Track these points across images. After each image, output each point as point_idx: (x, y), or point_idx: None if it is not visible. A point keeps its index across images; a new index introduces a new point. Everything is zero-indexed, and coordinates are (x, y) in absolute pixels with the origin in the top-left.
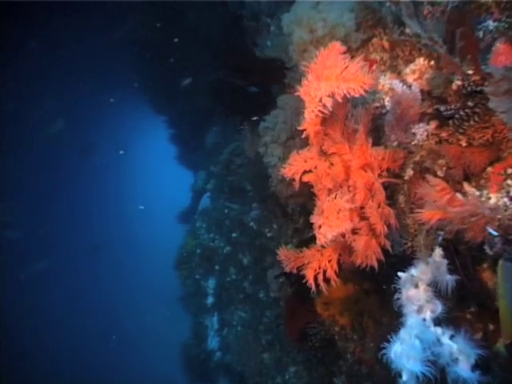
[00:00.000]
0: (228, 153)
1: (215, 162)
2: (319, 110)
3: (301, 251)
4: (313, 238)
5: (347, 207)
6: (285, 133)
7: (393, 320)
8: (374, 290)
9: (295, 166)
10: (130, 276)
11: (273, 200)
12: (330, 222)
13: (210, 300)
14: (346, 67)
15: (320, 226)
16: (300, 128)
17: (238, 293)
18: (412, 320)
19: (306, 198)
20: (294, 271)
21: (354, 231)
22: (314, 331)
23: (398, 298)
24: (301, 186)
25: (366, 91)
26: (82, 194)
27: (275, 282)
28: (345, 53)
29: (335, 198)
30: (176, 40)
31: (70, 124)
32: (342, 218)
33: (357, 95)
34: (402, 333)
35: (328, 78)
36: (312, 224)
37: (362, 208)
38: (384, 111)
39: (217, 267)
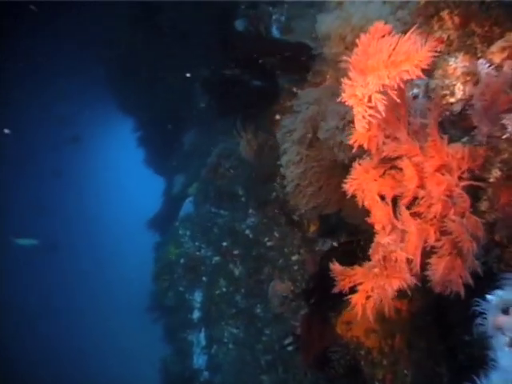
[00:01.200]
0: (216, 155)
1: (196, 165)
2: (371, 114)
3: (352, 268)
4: (337, 250)
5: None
6: (306, 134)
7: (432, 344)
8: (407, 308)
9: (358, 180)
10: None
11: (274, 206)
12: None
13: (196, 314)
14: (394, 48)
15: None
16: (351, 141)
17: (228, 307)
18: (506, 359)
19: (333, 208)
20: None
21: (432, 251)
22: (337, 356)
23: (481, 325)
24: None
25: (424, 70)
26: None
27: (277, 296)
28: (391, 33)
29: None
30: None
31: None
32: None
33: (414, 78)
34: (495, 377)
35: (375, 68)
36: (328, 232)
37: (440, 220)
38: (455, 100)
39: (204, 279)
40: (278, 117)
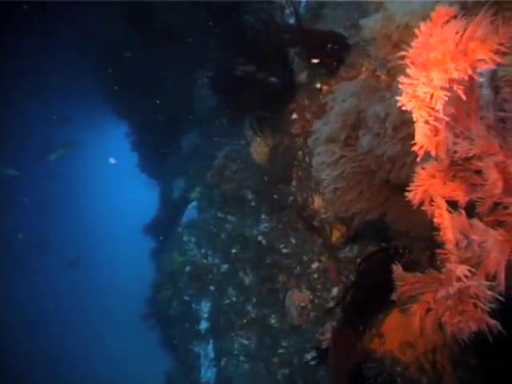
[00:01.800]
0: (223, 157)
1: (196, 169)
2: (437, 118)
3: (414, 275)
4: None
5: None
6: (342, 131)
7: (483, 362)
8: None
9: (424, 187)
10: (82, 290)
11: (290, 211)
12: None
13: (203, 325)
14: (463, 34)
15: None
16: (414, 148)
17: (239, 317)
18: None
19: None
20: None
21: None
22: (373, 373)
23: None
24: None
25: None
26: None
27: (295, 306)
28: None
29: None
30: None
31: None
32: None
33: (492, 66)
34: None
35: (439, 61)
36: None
37: None
38: None
39: (211, 288)
40: (294, 116)
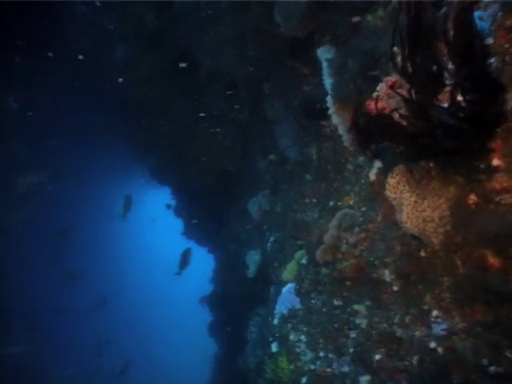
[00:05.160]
0: (335, 227)
1: (278, 239)
2: None
3: None
4: None
5: None
6: None
7: None
8: None
9: None
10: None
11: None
12: None
13: None
14: None
15: None
16: None
17: None
18: None
19: None
20: None
21: None
22: None
23: None
24: None
25: None
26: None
27: None
28: None
29: None
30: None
31: None
32: None
33: None
34: None
35: None
36: None
37: None
38: None
39: None
40: (496, 162)
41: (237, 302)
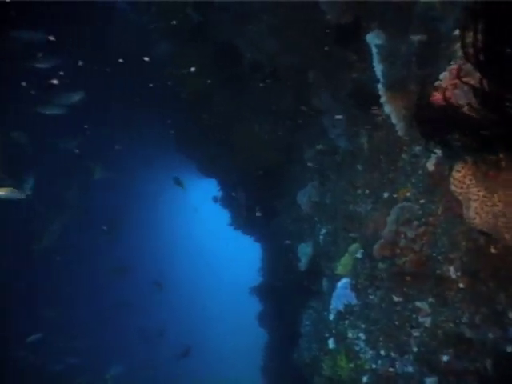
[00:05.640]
0: (393, 222)
1: (330, 231)
2: None
3: None
4: None
5: None
6: None
7: None
8: None
9: None
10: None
11: None
12: None
13: None
14: None
15: None
16: None
17: None
18: None
19: None
20: None
21: None
22: None
23: None
24: None
25: None
26: None
27: None
28: None
29: None
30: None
31: None
32: None
33: None
34: None
35: None
36: None
37: None
38: None
39: None
40: None
41: (287, 293)
